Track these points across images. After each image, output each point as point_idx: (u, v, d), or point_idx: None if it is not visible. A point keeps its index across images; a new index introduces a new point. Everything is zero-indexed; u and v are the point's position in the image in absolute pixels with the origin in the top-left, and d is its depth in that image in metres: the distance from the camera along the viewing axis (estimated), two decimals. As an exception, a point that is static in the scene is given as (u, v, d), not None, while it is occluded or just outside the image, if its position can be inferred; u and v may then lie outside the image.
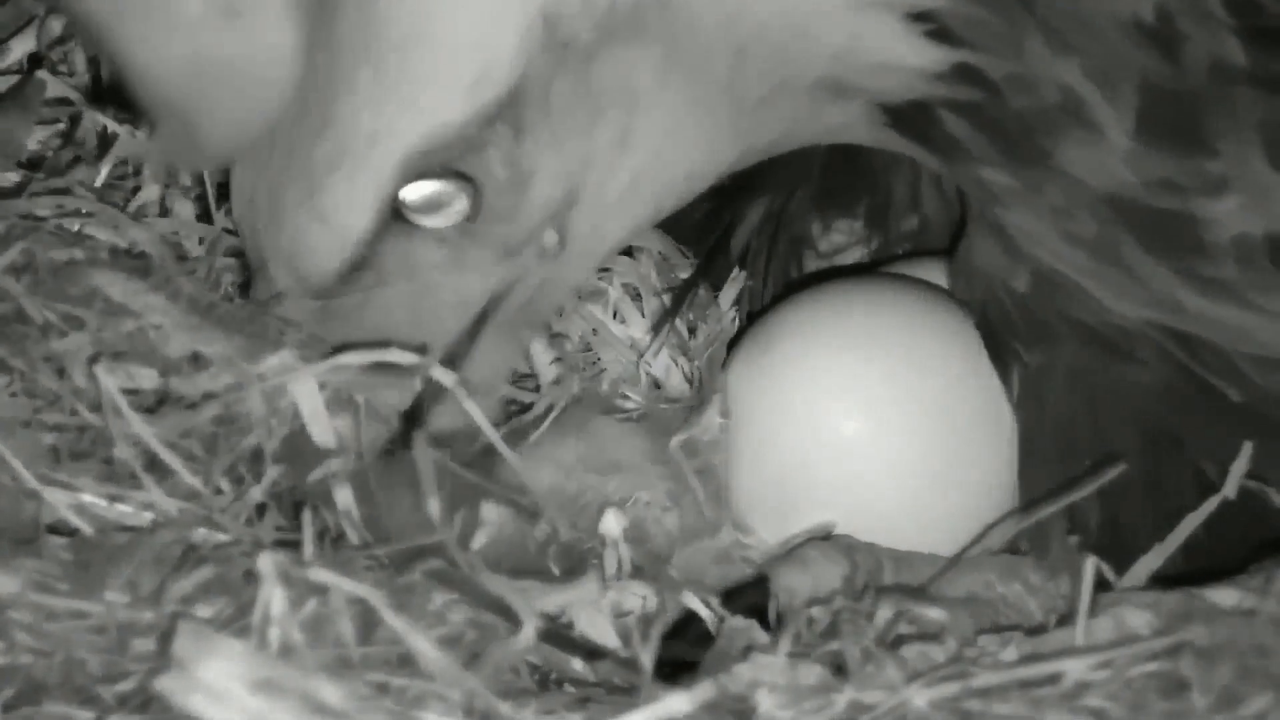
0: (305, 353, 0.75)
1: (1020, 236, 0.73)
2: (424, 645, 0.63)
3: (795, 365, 0.77)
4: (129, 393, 0.74)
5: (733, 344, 0.82)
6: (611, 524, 0.73)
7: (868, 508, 0.76)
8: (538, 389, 0.85)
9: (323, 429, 0.73)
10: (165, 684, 0.58)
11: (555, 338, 0.86)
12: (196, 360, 0.76)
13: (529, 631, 0.65)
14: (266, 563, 0.63)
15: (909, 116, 0.72)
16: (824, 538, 0.76)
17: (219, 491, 0.73)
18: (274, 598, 0.62)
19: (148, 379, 0.75)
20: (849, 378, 0.77)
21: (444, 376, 0.71)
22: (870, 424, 0.76)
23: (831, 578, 0.73)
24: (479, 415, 0.70)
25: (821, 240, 0.88)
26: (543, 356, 0.85)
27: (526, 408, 0.83)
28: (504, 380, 0.81)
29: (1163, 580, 0.72)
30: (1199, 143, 0.69)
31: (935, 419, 0.76)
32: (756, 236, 0.85)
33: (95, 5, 0.63)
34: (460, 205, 0.71)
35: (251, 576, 0.64)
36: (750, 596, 0.72)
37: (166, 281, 0.80)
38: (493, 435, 0.72)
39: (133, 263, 0.81)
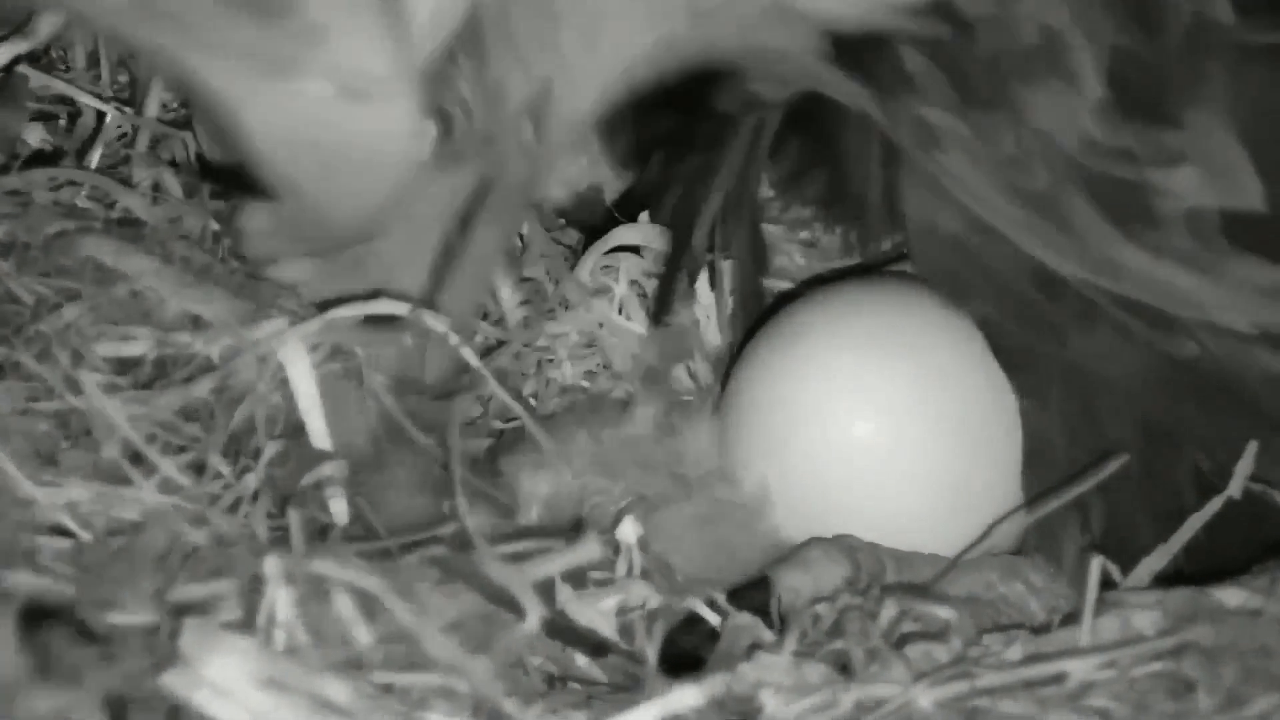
0: (298, 318, 0.75)
1: (951, 182, 0.72)
2: (433, 635, 0.63)
3: (806, 365, 0.77)
4: (125, 363, 0.75)
5: (744, 343, 0.82)
6: (628, 530, 0.73)
7: (878, 508, 0.76)
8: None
9: (310, 396, 0.73)
10: (170, 680, 0.58)
11: (525, 281, 0.87)
12: (193, 323, 0.76)
13: (534, 619, 0.65)
14: (273, 566, 0.62)
15: (857, 49, 0.71)
16: (827, 538, 0.75)
17: (218, 475, 0.73)
18: (279, 599, 0.62)
19: (143, 345, 0.75)
20: (859, 378, 0.77)
21: (438, 323, 0.73)
22: (880, 425, 0.76)
23: (833, 578, 0.73)
24: (502, 392, 0.71)
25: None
26: (510, 297, 0.86)
27: (496, 346, 0.84)
28: (492, 278, 0.81)
29: (1165, 580, 0.72)
30: (1163, 113, 0.69)
31: (947, 420, 0.76)
32: (720, 227, 0.85)
33: (220, 87, 0.62)
34: (432, 129, 0.71)
35: (256, 579, 0.64)
36: (753, 596, 0.72)
37: (160, 245, 0.80)
38: (520, 411, 0.72)
39: (126, 230, 0.81)
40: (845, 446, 0.76)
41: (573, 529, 0.73)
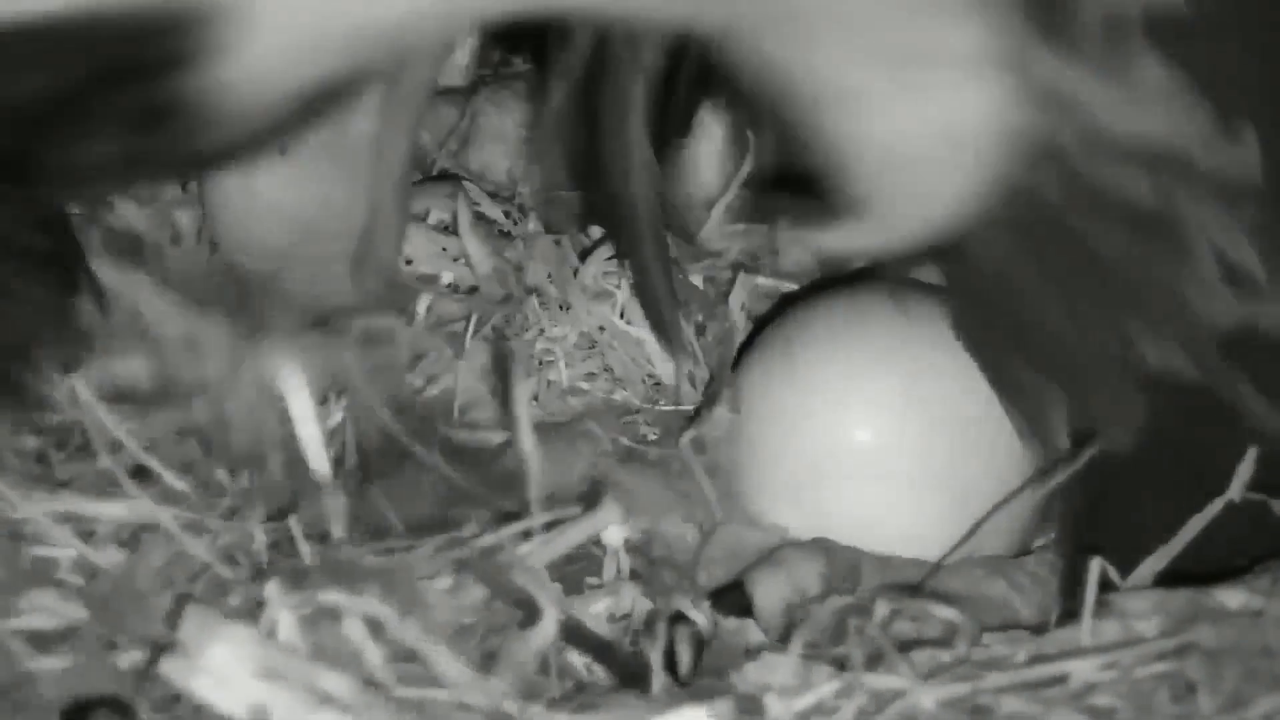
0: (294, 336, 0.76)
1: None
2: (442, 654, 0.63)
3: (810, 372, 0.76)
4: (124, 390, 0.75)
5: (746, 345, 0.82)
6: (614, 536, 0.73)
7: (881, 517, 0.76)
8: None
9: (307, 416, 0.73)
10: (169, 667, 0.58)
11: (503, 237, 0.87)
12: (192, 344, 0.76)
13: (551, 624, 0.65)
14: (273, 591, 0.63)
15: None
16: (803, 540, 0.75)
17: (219, 486, 0.73)
18: (281, 622, 0.62)
19: (140, 369, 0.76)
20: (863, 386, 0.76)
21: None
22: (884, 433, 0.76)
23: (809, 578, 0.73)
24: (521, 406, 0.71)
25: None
26: (476, 244, 0.86)
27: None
28: None
29: (1166, 578, 0.71)
30: None
31: (951, 428, 0.76)
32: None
33: (850, 86, 0.60)
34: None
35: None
36: (729, 600, 0.72)
37: (159, 264, 0.81)
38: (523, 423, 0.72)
39: (125, 241, 0.81)
40: (848, 454, 0.76)
41: (587, 498, 0.73)
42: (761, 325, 0.82)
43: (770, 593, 0.72)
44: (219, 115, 0.58)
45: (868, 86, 0.59)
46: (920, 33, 0.58)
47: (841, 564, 0.74)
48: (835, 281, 0.83)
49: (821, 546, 0.74)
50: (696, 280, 0.87)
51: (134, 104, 0.58)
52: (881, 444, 0.76)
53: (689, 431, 0.79)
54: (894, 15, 0.58)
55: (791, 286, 0.88)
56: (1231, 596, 0.69)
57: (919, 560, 0.74)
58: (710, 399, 0.80)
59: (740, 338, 0.85)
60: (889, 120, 0.60)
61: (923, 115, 0.60)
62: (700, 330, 0.85)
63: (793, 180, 0.71)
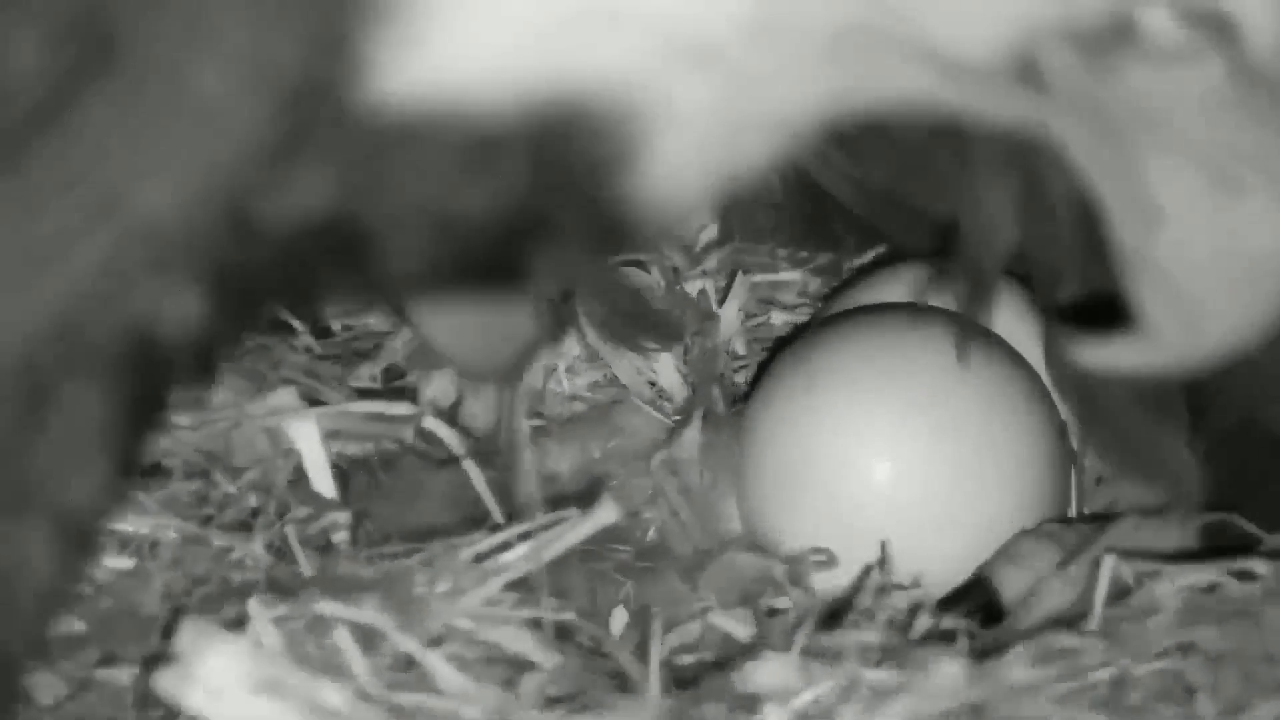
0: (306, 391, 0.78)
1: None
2: (437, 663, 0.63)
3: (827, 405, 0.76)
4: None
5: (763, 369, 0.81)
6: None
7: (904, 546, 0.75)
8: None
9: (321, 471, 0.74)
10: (163, 680, 0.58)
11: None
12: (197, 403, 0.77)
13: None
14: (255, 605, 0.63)
15: None
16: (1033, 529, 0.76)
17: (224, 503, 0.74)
18: (264, 635, 0.62)
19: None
20: (881, 420, 0.76)
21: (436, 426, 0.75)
22: (907, 463, 0.75)
23: (1048, 565, 0.73)
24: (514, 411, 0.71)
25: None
26: None
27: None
28: None
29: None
30: None
31: (971, 460, 0.75)
32: None
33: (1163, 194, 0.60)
34: None
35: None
36: (973, 597, 0.73)
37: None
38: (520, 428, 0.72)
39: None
40: (869, 485, 0.75)
41: (586, 496, 0.73)
42: (778, 349, 0.82)
43: (1014, 584, 0.73)
44: (651, 205, 0.58)
45: (1178, 204, 0.59)
46: (1249, 153, 0.58)
47: (1072, 544, 0.74)
48: (857, 311, 0.82)
49: (1047, 532, 0.75)
50: (692, 289, 0.87)
51: (583, 211, 0.58)
52: (904, 474, 0.75)
53: (660, 453, 0.79)
54: (1224, 133, 0.58)
55: (792, 275, 0.88)
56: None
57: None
58: (684, 420, 0.80)
59: (732, 344, 0.86)
60: (1194, 242, 0.59)
61: (1232, 240, 0.59)
62: (688, 347, 0.85)
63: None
